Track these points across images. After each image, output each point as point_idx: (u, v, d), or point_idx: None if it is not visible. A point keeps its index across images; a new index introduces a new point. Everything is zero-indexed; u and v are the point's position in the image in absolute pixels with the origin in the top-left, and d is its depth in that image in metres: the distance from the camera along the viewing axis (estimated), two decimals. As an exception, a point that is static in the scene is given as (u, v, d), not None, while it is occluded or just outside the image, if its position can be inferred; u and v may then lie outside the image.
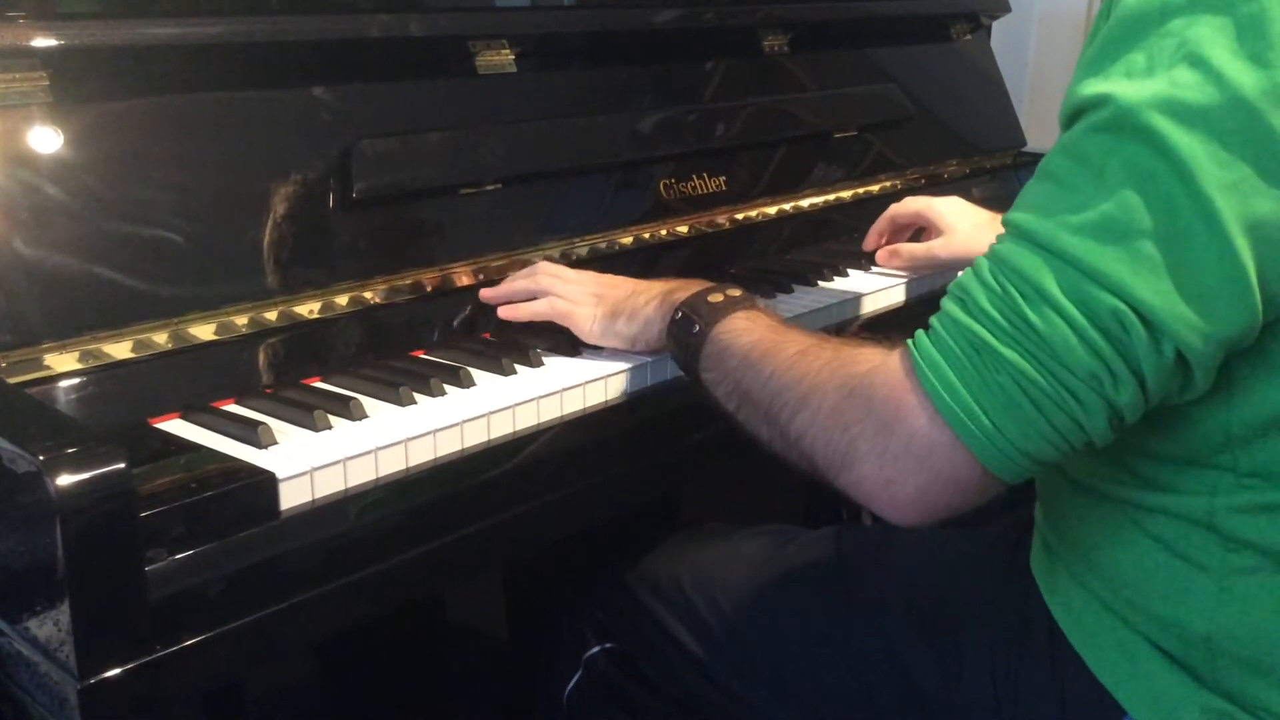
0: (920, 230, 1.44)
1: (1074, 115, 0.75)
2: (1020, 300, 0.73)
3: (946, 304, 0.79)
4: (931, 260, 1.38)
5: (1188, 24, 0.70)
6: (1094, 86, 0.73)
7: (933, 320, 0.80)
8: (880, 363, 0.80)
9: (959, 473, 0.77)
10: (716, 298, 0.99)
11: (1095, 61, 0.74)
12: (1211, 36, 0.70)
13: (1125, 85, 0.71)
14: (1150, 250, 0.70)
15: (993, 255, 0.77)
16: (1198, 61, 0.70)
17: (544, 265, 1.17)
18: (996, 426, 0.74)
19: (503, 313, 1.13)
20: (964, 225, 1.38)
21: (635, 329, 1.07)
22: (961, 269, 1.40)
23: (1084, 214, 0.72)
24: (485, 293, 1.15)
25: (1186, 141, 0.69)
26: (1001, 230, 0.79)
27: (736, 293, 0.99)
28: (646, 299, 1.07)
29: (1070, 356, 0.72)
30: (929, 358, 0.77)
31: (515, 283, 1.15)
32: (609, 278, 1.15)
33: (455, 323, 1.15)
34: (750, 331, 0.93)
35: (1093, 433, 0.75)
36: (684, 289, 1.03)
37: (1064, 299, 0.72)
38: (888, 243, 1.44)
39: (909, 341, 0.80)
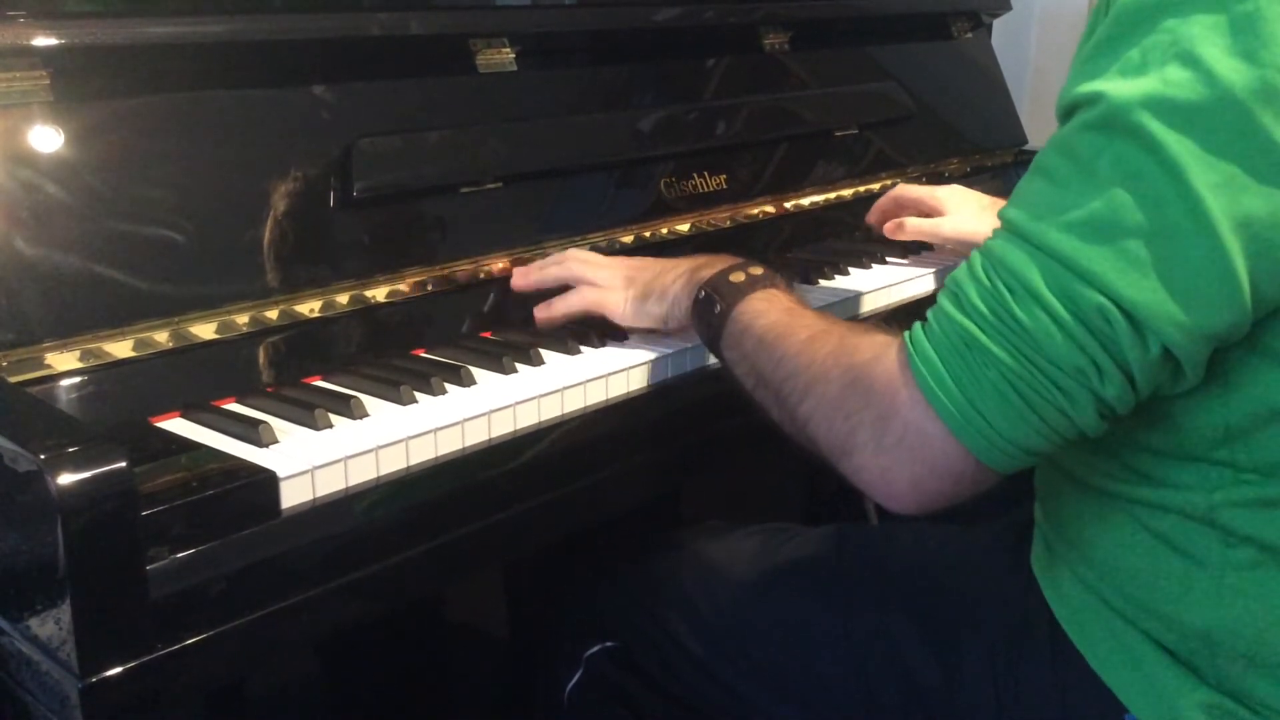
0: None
1: (1068, 112, 0.76)
2: (1008, 296, 0.74)
3: (942, 298, 0.80)
4: (936, 234, 1.41)
5: (1182, 22, 0.71)
6: (1089, 84, 0.73)
7: (929, 313, 0.81)
8: (880, 353, 0.82)
9: (953, 464, 0.78)
10: (738, 277, 1.00)
11: (1092, 59, 0.75)
12: (1204, 34, 0.70)
13: (1118, 83, 0.72)
14: (1137, 248, 0.71)
15: (986, 251, 0.78)
16: (1189, 59, 0.70)
17: (573, 252, 1.18)
18: (987, 420, 0.75)
19: (539, 316, 1.13)
20: (967, 208, 1.41)
21: (664, 308, 1.08)
22: (963, 248, 1.43)
23: (1073, 212, 0.72)
24: (516, 281, 1.16)
25: (1175, 140, 0.69)
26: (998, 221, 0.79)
27: (759, 270, 1.01)
28: (674, 276, 1.08)
29: (1054, 351, 0.73)
30: (922, 351, 0.78)
31: (546, 270, 1.16)
32: (638, 259, 1.16)
33: (456, 321, 1.15)
34: (767, 314, 0.95)
35: (1082, 424, 0.76)
36: (709, 266, 1.04)
37: (1049, 295, 0.73)
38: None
39: (905, 333, 0.81)
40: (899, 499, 0.81)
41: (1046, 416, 0.75)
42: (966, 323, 0.76)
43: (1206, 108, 0.69)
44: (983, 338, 0.75)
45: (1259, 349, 0.76)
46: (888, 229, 1.45)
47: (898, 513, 0.82)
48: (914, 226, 1.42)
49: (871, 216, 1.49)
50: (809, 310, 0.95)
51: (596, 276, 1.13)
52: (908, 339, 0.81)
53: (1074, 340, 0.72)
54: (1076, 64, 0.77)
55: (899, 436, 0.79)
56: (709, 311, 1.00)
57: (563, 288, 1.15)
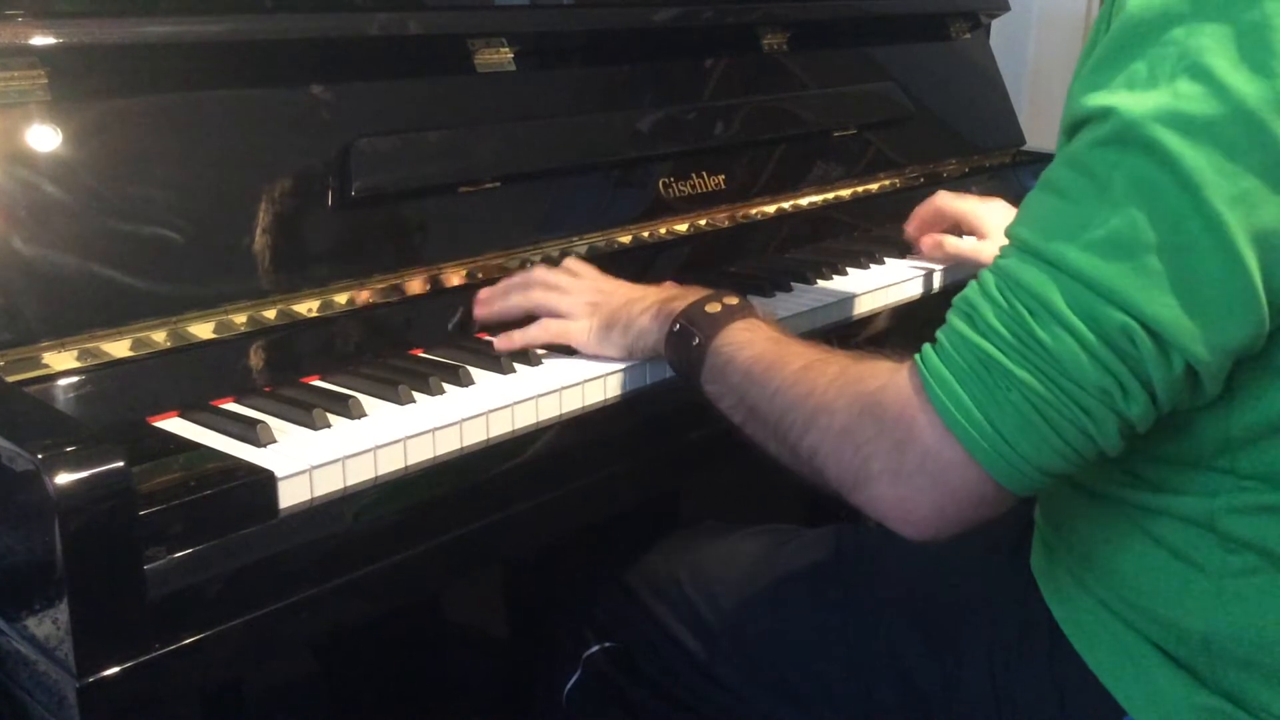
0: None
1: (1076, 126, 0.75)
2: (1028, 317, 0.73)
3: (953, 319, 0.78)
4: (977, 260, 1.38)
5: (1189, 33, 0.70)
6: (1097, 98, 0.73)
7: (939, 335, 0.79)
8: (889, 380, 0.80)
9: (973, 488, 0.76)
10: (714, 307, 0.98)
11: (1097, 70, 0.74)
12: (1213, 46, 0.69)
13: (1128, 97, 0.71)
14: (1156, 265, 0.70)
15: (999, 270, 0.76)
16: (1199, 72, 0.69)
17: (538, 275, 1.13)
18: (1008, 442, 0.74)
19: (499, 346, 1.08)
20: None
21: (630, 340, 1.05)
22: None
23: (1090, 230, 0.71)
24: (479, 311, 1.13)
25: (1191, 154, 0.68)
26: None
27: (734, 301, 0.98)
28: (642, 308, 1.05)
29: (1079, 373, 0.72)
30: (937, 374, 0.77)
31: (510, 300, 1.12)
32: (605, 282, 1.13)
33: (454, 321, 1.15)
34: (751, 344, 0.93)
35: (1104, 445, 0.75)
36: (681, 297, 1.02)
37: (1072, 316, 0.71)
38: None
39: (917, 357, 0.79)
40: (918, 526, 0.79)
41: (1069, 438, 0.74)
42: (985, 344, 0.74)
43: (1220, 121, 0.68)
44: (1004, 360, 0.73)
45: (1264, 360, 0.76)
46: (925, 245, 1.43)
47: (916, 540, 0.80)
48: (954, 249, 1.39)
49: (910, 224, 1.46)
50: (794, 339, 0.93)
51: (560, 305, 1.09)
52: (920, 362, 0.79)
53: (1099, 361, 0.71)
54: (1080, 75, 0.76)
55: (918, 464, 0.77)
56: (685, 345, 0.97)
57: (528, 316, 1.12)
